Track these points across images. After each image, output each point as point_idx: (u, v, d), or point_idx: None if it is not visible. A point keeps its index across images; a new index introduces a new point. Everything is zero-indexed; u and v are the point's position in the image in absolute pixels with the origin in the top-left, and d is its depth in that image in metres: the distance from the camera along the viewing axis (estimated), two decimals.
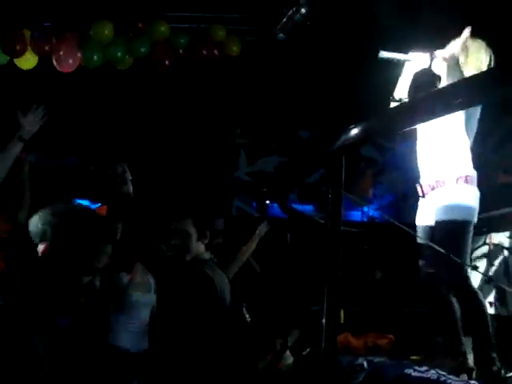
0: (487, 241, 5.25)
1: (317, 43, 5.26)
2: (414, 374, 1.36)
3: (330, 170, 2.06)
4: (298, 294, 4.13)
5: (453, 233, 2.45)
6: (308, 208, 7.01)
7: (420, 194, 2.62)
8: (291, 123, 7.22)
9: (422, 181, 2.62)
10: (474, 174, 2.55)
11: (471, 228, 2.48)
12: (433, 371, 1.33)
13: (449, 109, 1.58)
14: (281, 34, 4.58)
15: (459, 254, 2.44)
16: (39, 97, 6.11)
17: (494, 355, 2.38)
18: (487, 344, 2.43)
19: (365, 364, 1.59)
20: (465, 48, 2.55)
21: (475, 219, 2.49)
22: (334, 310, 1.97)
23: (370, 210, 6.92)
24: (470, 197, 2.49)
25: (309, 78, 6.01)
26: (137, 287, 3.42)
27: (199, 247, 3.15)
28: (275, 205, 6.80)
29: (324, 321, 1.90)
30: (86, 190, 7.05)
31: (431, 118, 2.07)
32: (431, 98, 1.66)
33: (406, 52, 2.76)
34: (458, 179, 2.49)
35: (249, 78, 6.29)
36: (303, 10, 4.73)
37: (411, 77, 2.73)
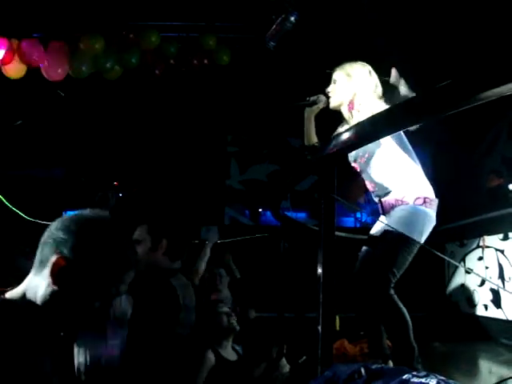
0: (480, 243, 5.28)
1: (306, 50, 5.28)
2: (413, 379, 1.34)
3: (322, 176, 2.05)
4: (292, 301, 4.11)
5: (396, 243, 2.52)
6: (301, 215, 7.00)
7: (380, 211, 2.71)
8: (281, 131, 7.24)
9: (383, 199, 2.69)
10: (433, 197, 2.62)
11: (415, 248, 2.53)
12: (432, 377, 1.31)
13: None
14: (271, 42, 4.59)
15: (391, 264, 2.49)
16: (28, 107, 6.12)
17: (419, 367, 2.37)
18: (408, 357, 2.42)
19: (362, 371, 1.56)
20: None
21: (421, 240, 2.55)
22: (330, 317, 1.95)
23: (363, 216, 6.93)
24: (423, 218, 2.57)
25: (298, 85, 6.02)
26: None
27: (155, 256, 2.73)
28: (268, 212, 6.79)
29: (320, 328, 1.89)
30: (76, 201, 7.01)
31: (414, 124, 2.11)
32: (412, 104, 1.68)
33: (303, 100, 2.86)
34: (416, 199, 2.56)
35: (239, 86, 6.29)
36: (292, 18, 4.75)
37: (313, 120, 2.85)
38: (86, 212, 1.35)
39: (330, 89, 2.81)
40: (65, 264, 1.26)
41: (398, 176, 2.66)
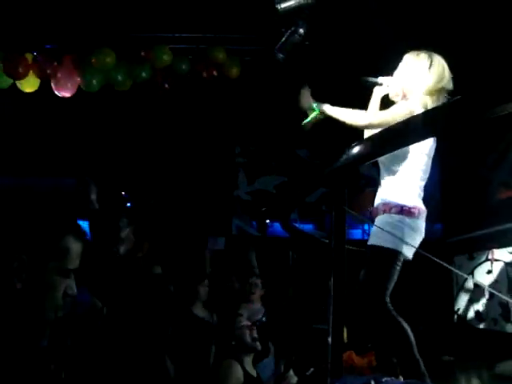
0: (489, 256, 5.26)
1: (315, 62, 5.31)
2: None
3: (333, 187, 2.07)
4: (300, 313, 4.10)
5: (378, 258, 2.47)
6: (308, 227, 6.99)
7: (371, 218, 2.67)
8: (290, 142, 7.25)
9: (374, 205, 2.65)
10: (416, 205, 2.53)
11: (399, 258, 2.46)
12: None
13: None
14: (279, 55, 4.61)
15: (378, 279, 2.45)
16: (40, 117, 6.17)
17: (427, 381, 2.32)
18: (414, 371, 2.39)
19: (372, 383, 1.56)
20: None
21: (407, 252, 2.48)
22: (340, 329, 1.96)
23: (371, 228, 6.90)
24: (405, 228, 2.48)
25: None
26: None
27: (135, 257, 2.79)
28: (275, 224, 6.79)
29: (330, 339, 1.89)
30: (85, 210, 7.03)
31: (427, 138, 2.12)
32: (424, 120, 1.69)
33: (375, 76, 2.80)
34: (393, 207, 2.50)
35: (248, 97, 6.32)
36: (301, 30, 4.78)
37: (379, 101, 2.78)
38: None
39: (395, 73, 2.70)
40: None
41: (394, 172, 2.58)
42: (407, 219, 2.49)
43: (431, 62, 2.62)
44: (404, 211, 2.49)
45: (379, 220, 2.54)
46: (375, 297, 2.45)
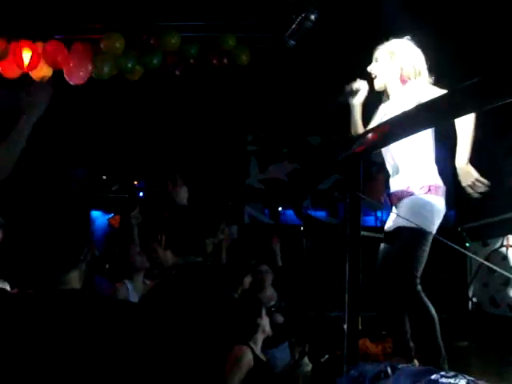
0: (504, 243, 5.21)
1: (326, 48, 5.26)
2: (441, 380, 1.33)
3: (347, 174, 2.06)
4: (314, 300, 4.11)
5: (409, 239, 2.49)
6: (320, 214, 6.99)
7: (389, 204, 2.68)
8: (301, 130, 7.22)
9: (390, 191, 2.66)
10: (439, 183, 2.58)
11: (428, 238, 2.49)
12: (461, 377, 1.30)
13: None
14: (291, 41, 4.58)
15: (412, 261, 2.47)
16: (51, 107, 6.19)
17: (446, 367, 2.32)
18: (435, 356, 2.39)
19: (389, 370, 1.56)
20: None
21: (434, 228, 2.51)
22: (355, 316, 1.95)
23: (384, 215, 6.89)
24: (431, 208, 2.52)
25: (319, 83, 6.01)
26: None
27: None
28: (288, 212, 6.78)
29: (345, 326, 1.89)
30: (98, 200, 7.09)
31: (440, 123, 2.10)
32: (438, 104, 1.67)
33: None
34: (421, 188, 2.53)
35: (259, 85, 6.29)
36: (312, 17, 4.74)
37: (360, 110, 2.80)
38: None
39: (372, 67, 2.75)
40: None
41: (412, 156, 2.61)
42: (435, 198, 2.52)
43: (411, 45, 2.70)
44: (431, 190, 2.51)
45: (407, 202, 2.55)
46: (407, 278, 2.46)
